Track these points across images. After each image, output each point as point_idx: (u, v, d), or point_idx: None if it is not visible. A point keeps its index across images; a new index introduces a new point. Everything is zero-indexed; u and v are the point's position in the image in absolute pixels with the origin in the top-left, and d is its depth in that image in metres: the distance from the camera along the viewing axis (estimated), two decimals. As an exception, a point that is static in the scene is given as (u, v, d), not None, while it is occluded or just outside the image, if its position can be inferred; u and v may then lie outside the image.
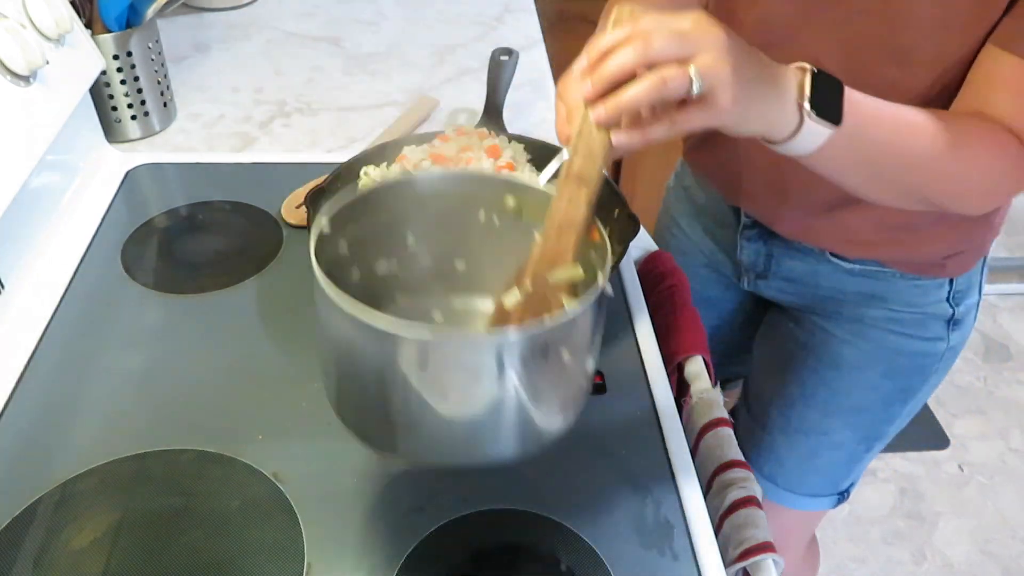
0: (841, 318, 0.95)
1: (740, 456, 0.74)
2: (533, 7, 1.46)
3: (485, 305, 0.66)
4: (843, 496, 1.07)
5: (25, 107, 0.81)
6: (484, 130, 0.96)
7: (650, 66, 0.52)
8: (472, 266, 0.66)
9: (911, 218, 0.83)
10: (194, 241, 0.95)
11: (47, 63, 0.83)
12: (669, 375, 0.80)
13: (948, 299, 0.91)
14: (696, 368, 0.82)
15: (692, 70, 0.51)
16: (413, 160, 0.92)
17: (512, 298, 0.58)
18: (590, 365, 0.55)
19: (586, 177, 0.56)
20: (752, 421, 1.07)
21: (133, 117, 1.09)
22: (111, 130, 1.08)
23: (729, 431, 0.76)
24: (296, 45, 1.34)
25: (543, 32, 1.38)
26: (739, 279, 1.02)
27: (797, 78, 0.58)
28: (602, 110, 0.54)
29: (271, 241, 0.93)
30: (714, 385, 0.81)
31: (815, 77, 0.58)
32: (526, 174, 0.60)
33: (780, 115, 0.58)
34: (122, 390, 0.76)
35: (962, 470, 1.93)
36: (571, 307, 0.50)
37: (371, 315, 0.49)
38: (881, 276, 0.91)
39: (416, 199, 0.62)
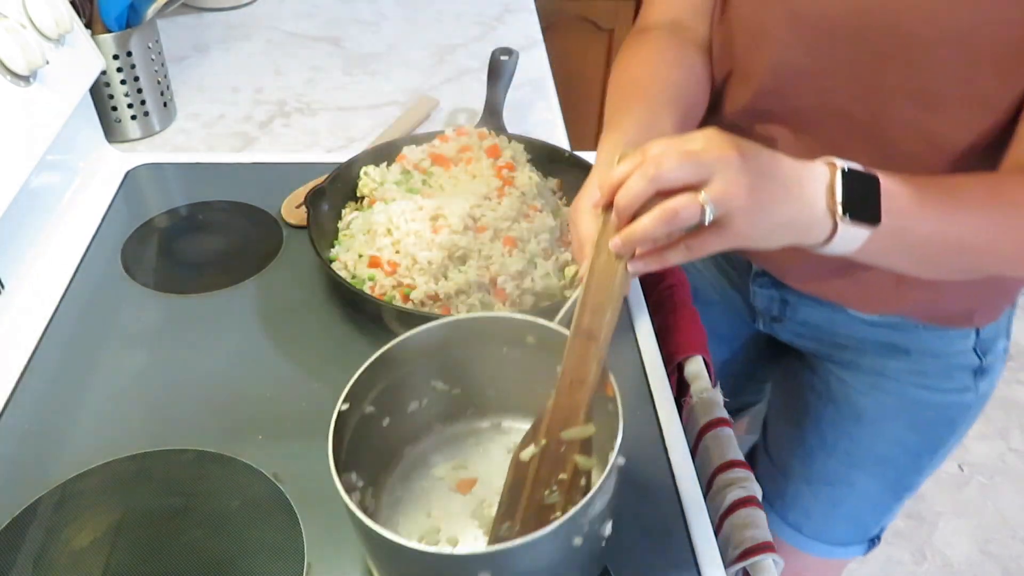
0: (860, 369, 0.89)
1: (740, 456, 0.73)
2: (533, 7, 1.46)
3: (515, 424, 0.68)
4: (874, 542, 1.02)
5: (25, 107, 0.81)
6: (484, 130, 0.96)
7: (662, 193, 0.51)
8: (501, 391, 0.68)
9: None
10: (194, 241, 0.95)
11: (47, 63, 0.83)
12: (669, 375, 0.80)
13: (975, 349, 0.85)
14: (696, 368, 0.82)
15: (703, 198, 0.50)
16: (413, 160, 0.92)
17: (528, 453, 0.59)
18: (606, 530, 0.55)
19: (595, 333, 0.55)
20: (773, 468, 1.03)
21: (133, 117, 1.09)
22: (111, 130, 1.08)
23: (729, 431, 0.76)
24: (296, 45, 1.34)
25: (543, 32, 1.38)
26: (754, 320, 0.96)
27: (826, 179, 0.55)
28: (617, 241, 0.53)
29: (271, 241, 0.93)
30: (714, 385, 0.81)
31: (846, 176, 0.54)
32: (544, 320, 0.62)
33: (810, 223, 0.55)
34: (122, 390, 0.76)
35: (962, 470, 1.93)
36: (569, 509, 0.50)
37: (387, 534, 0.50)
38: (902, 327, 0.84)
39: (434, 347, 0.64)
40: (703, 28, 0.80)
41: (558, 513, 0.57)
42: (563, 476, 0.58)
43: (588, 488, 0.58)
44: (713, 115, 0.80)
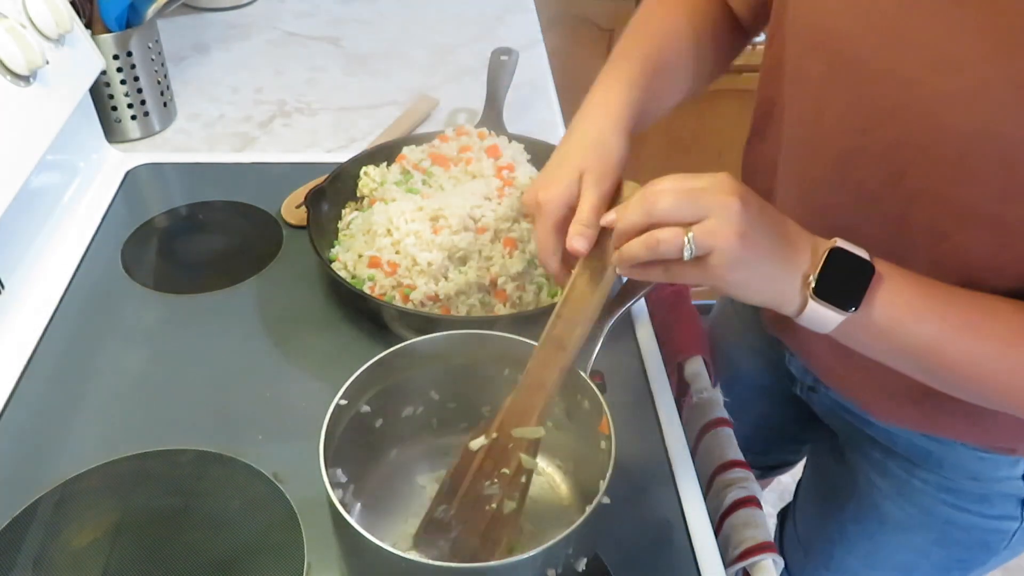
0: (887, 472, 0.80)
1: (740, 456, 0.74)
2: (533, 7, 1.46)
3: None
4: None
5: (25, 107, 0.81)
6: (484, 130, 0.96)
7: (657, 225, 0.52)
8: (497, 411, 0.67)
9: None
10: (194, 241, 0.95)
11: (47, 63, 0.83)
12: (669, 375, 0.80)
13: None
14: (696, 368, 0.82)
15: (689, 236, 0.50)
16: (413, 160, 0.92)
17: (478, 443, 0.61)
18: (580, 565, 0.56)
19: (564, 343, 0.58)
20: (797, 542, 0.97)
21: (133, 117, 1.09)
22: (111, 130, 1.07)
23: (729, 431, 0.76)
24: (296, 45, 1.34)
25: (543, 32, 1.38)
26: (792, 383, 0.89)
27: (818, 251, 0.54)
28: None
29: (271, 241, 0.93)
30: (714, 385, 0.81)
31: (835, 254, 0.53)
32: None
33: (786, 289, 0.54)
34: (122, 390, 0.76)
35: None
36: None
37: (372, 538, 0.51)
38: (937, 437, 0.75)
39: (438, 357, 0.65)
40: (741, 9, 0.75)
41: (493, 505, 0.59)
42: (506, 471, 0.60)
43: (527, 487, 0.60)
44: (756, 143, 0.78)
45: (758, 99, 0.76)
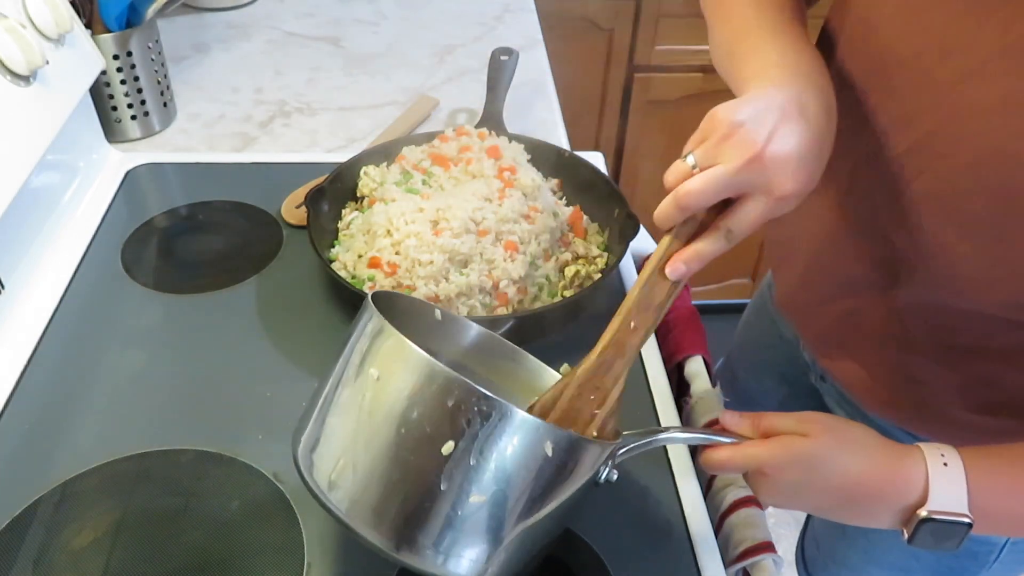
0: None
1: (740, 456, 0.73)
2: (533, 7, 1.46)
3: None
4: None
5: (25, 107, 0.81)
6: (484, 130, 0.96)
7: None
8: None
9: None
10: (194, 241, 0.95)
11: (47, 63, 0.83)
12: (669, 375, 0.80)
13: None
14: (696, 368, 0.82)
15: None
16: (413, 160, 0.92)
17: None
18: (580, 465, 0.54)
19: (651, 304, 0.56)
20: (813, 537, 0.99)
21: (133, 117, 1.09)
22: (111, 130, 1.07)
23: (729, 431, 0.76)
24: (296, 45, 1.34)
25: (543, 32, 1.38)
26: (805, 372, 0.89)
27: (901, 507, 0.55)
28: None
29: (271, 241, 0.93)
30: (714, 385, 0.81)
31: (927, 523, 0.54)
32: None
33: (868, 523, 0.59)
34: (122, 390, 0.76)
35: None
36: None
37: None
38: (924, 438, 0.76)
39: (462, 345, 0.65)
40: None
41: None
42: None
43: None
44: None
45: None
